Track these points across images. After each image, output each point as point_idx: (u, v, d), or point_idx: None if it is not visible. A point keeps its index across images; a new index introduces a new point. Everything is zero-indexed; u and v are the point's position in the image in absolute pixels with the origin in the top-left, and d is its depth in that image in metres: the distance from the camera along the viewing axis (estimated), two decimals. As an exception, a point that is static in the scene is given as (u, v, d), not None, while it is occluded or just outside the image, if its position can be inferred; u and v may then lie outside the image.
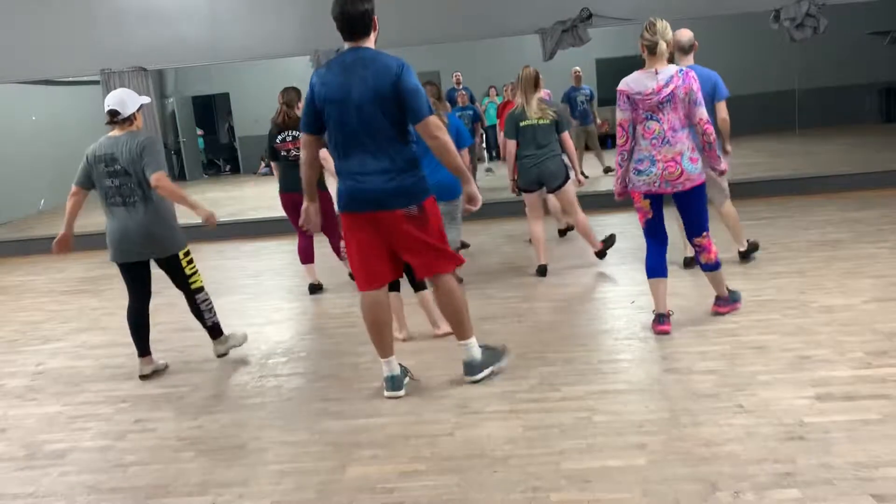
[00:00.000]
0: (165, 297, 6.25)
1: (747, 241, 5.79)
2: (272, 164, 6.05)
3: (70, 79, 10.52)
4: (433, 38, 8.73)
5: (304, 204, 3.80)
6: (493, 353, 3.98)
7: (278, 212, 8.13)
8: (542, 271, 5.93)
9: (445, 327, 4.49)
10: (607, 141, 12.62)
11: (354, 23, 3.48)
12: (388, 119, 3.46)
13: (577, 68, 11.01)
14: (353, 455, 3.25)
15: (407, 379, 3.88)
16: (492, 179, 11.52)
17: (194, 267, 4.48)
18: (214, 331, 4.58)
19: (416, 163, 3.60)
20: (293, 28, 8.95)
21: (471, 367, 3.86)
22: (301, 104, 5.76)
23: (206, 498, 3.01)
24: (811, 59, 12.11)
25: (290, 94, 5.86)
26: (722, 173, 4.59)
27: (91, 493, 3.14)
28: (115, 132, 4.26)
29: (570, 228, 7.30)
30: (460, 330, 3.84)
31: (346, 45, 3.55)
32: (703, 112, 4.17)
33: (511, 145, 5.87)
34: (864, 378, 3.54)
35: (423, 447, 3.25)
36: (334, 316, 5.46)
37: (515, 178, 5.97)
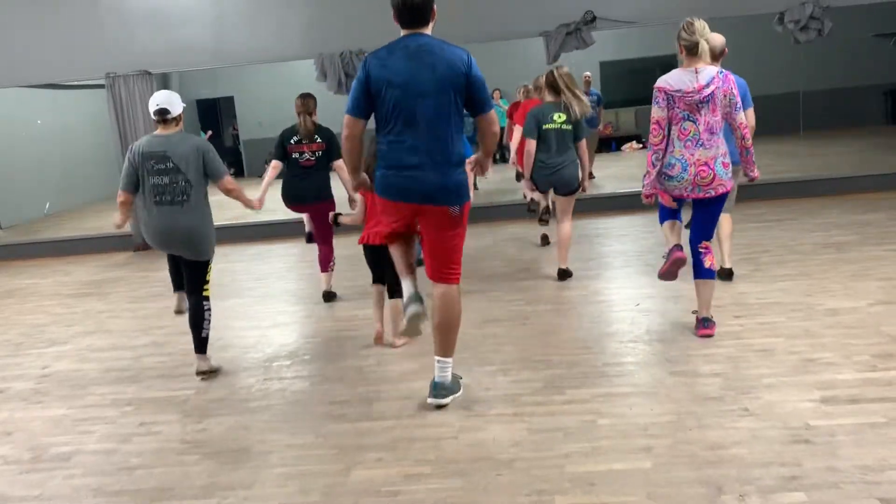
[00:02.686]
0: (170, 299, 6.27)
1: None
2: (273, 162, 5.77)
3: (75, 83, 10.55)
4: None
5: (354, 182, 3.73)
6: (456, 382, 3.79)
7: (283, 215, 8.14)
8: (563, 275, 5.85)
9: (402, 342, 4.60)
10: (611, 144, 12.61)
11: (418, 10, 3.42)
12: (452, 108, 3.43)
13: (588, 73, 10.96)
14: (358, 458, 3.25)
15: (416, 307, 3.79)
16: (496, 182, 11.52)
17: (211, 277, 4.48)
18: (203, 345, 4.45)
19: (464, 160, 3.59)
20: (297, 31, 8.98)
21: (441, 389, 3.68)
22: (316, 112, 5.72)
23: (211, 501, 3.01)
24: (816, 61, 12.10)
25: (308, 101, 5.73)
26: (753, 180, 4.41)
27: (96, 496, 3.14)
28: (162, 131, 4.27)
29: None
30: (446, 347, 3.68)
31: (403, 33, 3.48)
32: (742, 116, 4.10)
33: (531, 145, 5.76)
34: (870, 381, 3.53)
35: (428, 450, 3.25)
36: (339, 319, 5.46)
37: (532, 177, 5.92)
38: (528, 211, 8.13)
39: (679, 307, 4.87)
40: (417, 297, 3.75)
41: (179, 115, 4.32)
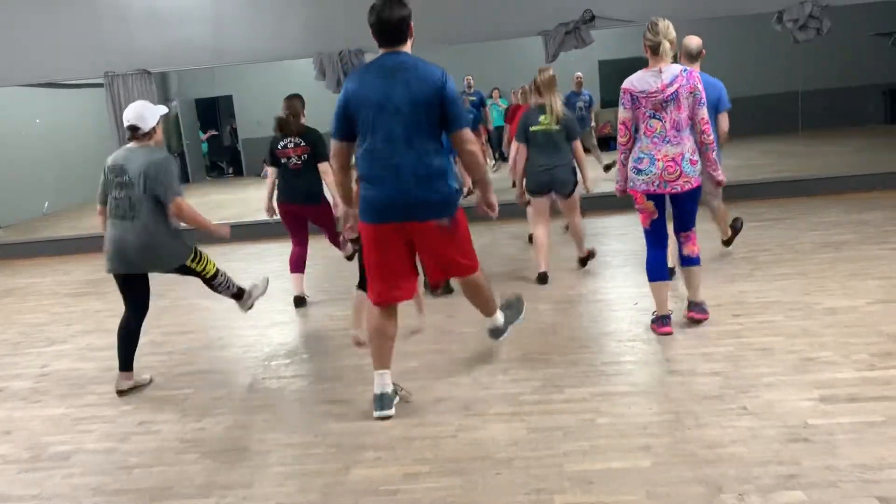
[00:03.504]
0: (169, 299, 6.27)
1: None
2: (269, 169, 5.91)
3: (74, 81, 10.54)
4: (435, 41, 8.74)
5: (341, 210, 3.75)
6: (512, 311, 4.19)
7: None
8: (542, 279, 5.80)
9: (364, 338, 4.39)
10: (609, 143, 12.61)
11: (391, 29, 3.42)
12: (428, 125, 3.42)
13: (579, 74, 10.96)
14: (357, 457, 3.25)
15: (397, 399, 3.71)
16: (496, 181, 11.50)
17: (204, 261, 4.43)
18: (237, 296, 4.71)
19: (448, 173, 3.54)
20: (296, 31, 8.97)
21: (495, 332, 4.09)
22: (304, 112, 5.75)
23: (210, 500, 3.01)
24: (814, 60, 12.09)
25: (294, 103, 5.78)
26: (718, 185, 4.53)
27: (95, 495, 3.14)
28: (133, 144, 4.24)
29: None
30: (487, 310, 4.00)
31: (381, 51, 3.49)
32: (705, 112, 4.17)
33: (522, 150, 5.81)
34: (868, 380, 3.53)
35: (427, 449, 3.25)
36: (337, 318, 5.46)
37: (524, 185, 5.93)
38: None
39: (677, 306, 4.87)
40: (387, 401, 3.63)
41: (152, 129, 4.24)
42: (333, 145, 3.56)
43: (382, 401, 3.62)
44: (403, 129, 3.40)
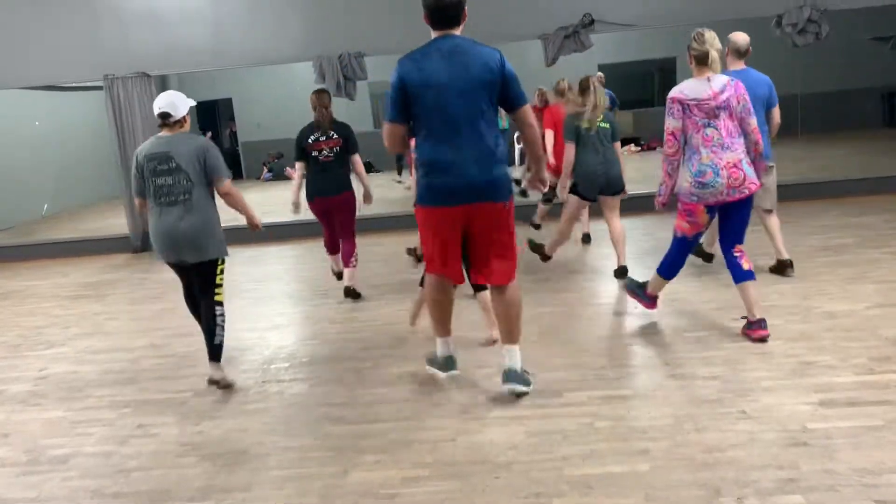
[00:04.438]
0: (168, 301, 6.27)
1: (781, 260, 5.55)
2: (297, 164, 5.88)
3: (73, 84, 10.55)
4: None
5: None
6: (526, 378, 3.79)
7: (281, 217, 8.15)
8: (537, 248, 6.07)
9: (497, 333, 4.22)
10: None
11: (450, 12, 3.48)
12: (489, 107, 3.48)
13: (601, 74, 10.94)
14: (356, 460, 3.25)
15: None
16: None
17: (223, 280, 4.36)
18: (216, 351, 4.31)
19: (505, 156, 3.63)
20: (296, 34, 8.98)
21: (511, 375, 3.71)
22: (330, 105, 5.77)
23: (209, 503, 3.01)
24: (813, 64, 12.11)
25: (323, 96, 5.77)
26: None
27: (93, 498, 3.14)
28: (166, 133, 4.25)
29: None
30: (512, 334, 3.75)
31: (435, 34, 3.53)
32: (755, 121, 4.18)
33: (570, 148, 5.80)
34: (867, 384, 3.53)
35: (426, 453, 3.25)
36: (336, 321, 5.46)
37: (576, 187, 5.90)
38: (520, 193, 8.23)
39: (677, 310, 4.88)
40: (452, 363, 3.90)
41: (184, 117, 4.28)
42: (388, 128, 3.57)
43: (447, 362, 3.90)
44: (465, 111, 3.44)
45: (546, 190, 3.94)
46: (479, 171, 3.48)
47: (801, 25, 8.28)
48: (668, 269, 4.48)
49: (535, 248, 6.23)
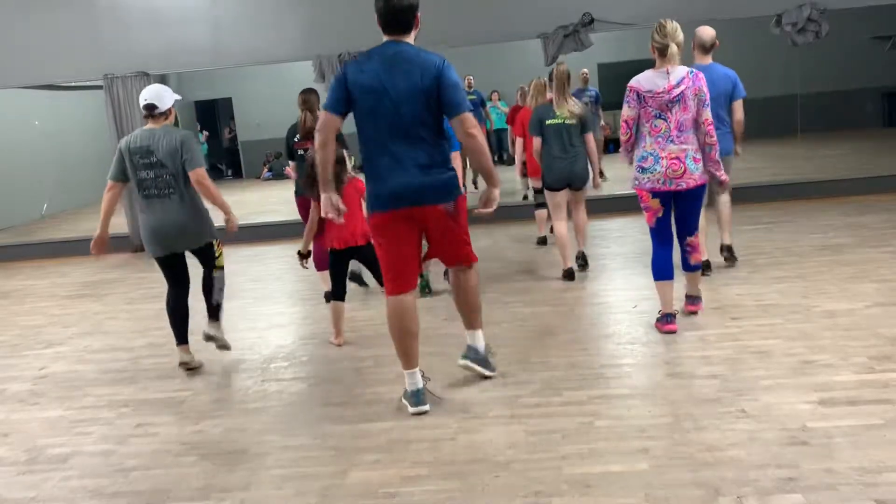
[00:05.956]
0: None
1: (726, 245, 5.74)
2: (291, 163, 6.04)
3: (73, 84, 10.54)
4: (434, 43, 8.74)
5: (324, 200, 3.60)
6: (489, 363, 4.00)
7: (280, 216, 8.16)
8: (569, 275, 5.86)
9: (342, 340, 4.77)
10: (609, 146, 12.60)
11: (399, 17, 3.45)
12: (429, 114, 3.45)
13: (585, 70, 10.98)
14: (355, 460, 3.24)
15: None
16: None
17: (222, 252, 4.57)
18: (215, 312, 4.59)
19: (449, 160, 3.63)
20: (295, 33, 8.97)
21: (474, 352, 3.92)
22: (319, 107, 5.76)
23: (208, 503, 3.01)
24: (813, 63, 12.11)
25: (310, 97, 5.76)
26: (721, 184, 4.52)
27: (93, 498, 3.13)
28: (151, 125, 4.32)
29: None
30: (473, 320, 3.90)
31: (385, 38, 3.51)
32: (708, 113, 4.23)
33: (535, 142, 5.94)
34: (867, 383, 3.53)
35: (425, 452, 3.25)
36: (336, 320, 5.45)
37: (527, 173, 6.03)
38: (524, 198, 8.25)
39: (676, 309, 4.87)
40: (419, 397, 3.65)
41: (168, 110, 4.35)
42: (323, 116, 3.51)
43: (418, 397, 3.65)
44: (403, 119, 3.43)
45: (491, 212, 3.68)
46: (419, 175, 3.47)
47: (801, 24, 8.28)
48: (656, 270, 4.45)
49: (583, 258, 6.21)
